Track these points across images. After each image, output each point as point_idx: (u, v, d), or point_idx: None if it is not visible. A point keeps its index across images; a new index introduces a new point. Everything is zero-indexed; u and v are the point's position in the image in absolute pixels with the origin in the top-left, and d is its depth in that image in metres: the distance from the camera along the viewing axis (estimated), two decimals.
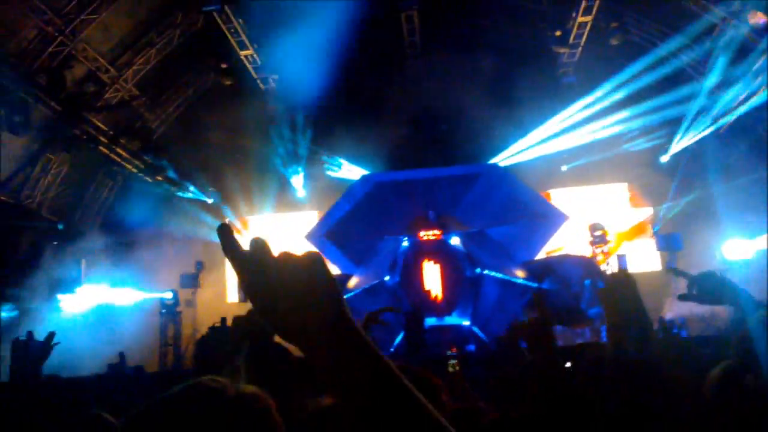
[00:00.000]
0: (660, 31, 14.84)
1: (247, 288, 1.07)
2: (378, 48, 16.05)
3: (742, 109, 14.89)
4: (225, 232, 1.08)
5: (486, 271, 11.87)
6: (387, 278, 11.90)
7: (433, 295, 11.81)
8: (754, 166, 14.75)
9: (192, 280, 15.03)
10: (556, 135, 15.99)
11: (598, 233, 14.54)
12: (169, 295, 14.76)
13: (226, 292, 16.90)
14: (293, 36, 15.93)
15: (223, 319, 13.21)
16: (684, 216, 14.79)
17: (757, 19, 13.41)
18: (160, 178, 16.31)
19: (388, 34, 15.74)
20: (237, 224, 17.39)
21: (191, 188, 16.81)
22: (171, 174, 16.52)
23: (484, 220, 13.02)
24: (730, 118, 15.46)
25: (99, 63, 14.31)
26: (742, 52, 14.52)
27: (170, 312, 14.18)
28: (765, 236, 13.92)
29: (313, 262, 1.06)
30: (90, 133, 14.51)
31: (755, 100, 14.74)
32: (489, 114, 15.90)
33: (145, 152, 15.99)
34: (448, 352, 4.35)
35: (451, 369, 4.79)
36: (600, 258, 14.60)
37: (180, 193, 16.69)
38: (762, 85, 14.34)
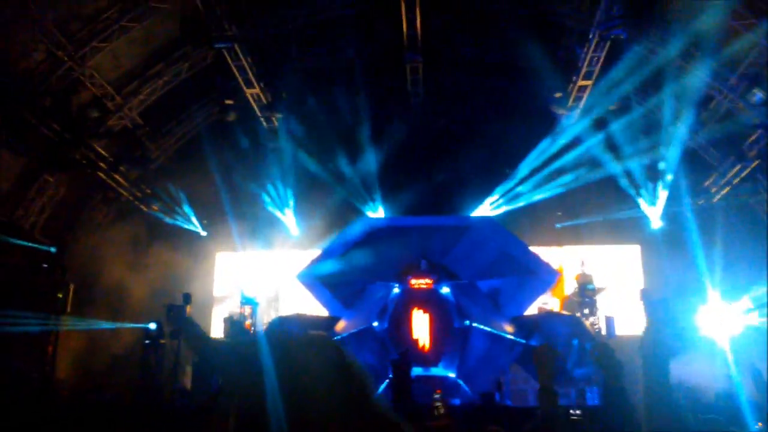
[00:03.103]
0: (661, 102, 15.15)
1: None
2: (382, 93, 16.31)
3: (736, 181, 15.18)
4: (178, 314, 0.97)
5: (474, 324, 11.85)
6: (376, 324, 11.86)
7: (420, 344, 11.75)
8: (744, 238, 14.98)
9: (178, 312, 14.86)
10: (550, 192, 16.24)
11: (590, 288, 14.60)
12: (152, 326, 14.58)
13: (211, 326, 16.78)
14: (300, 78, 16.27)
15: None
16: (674, 281, 14.90)
17: (754, 94, 13.77)
18: (155, 207, 16.33)
19: (393, 81, 16.03)
20: (226, 259, 17.37)
21: (185, 220, 16.82)
22: (166, 205, 16.56)
23: (474, 271, 13.04)
24: (722, 190, 15.75)
25: (105, 90, 14.45)
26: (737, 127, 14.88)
27: (154, 343, 13.99)
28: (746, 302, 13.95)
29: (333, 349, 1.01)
30: (90, 158, 14.56)
31: (747, 174, 15.06)
32: (485, 167, 16.19)
33: (143, 181, 16.04)
34: (435, 395, 4.39)
35: (436, 412, 4.81)
36: (587, 317, 14.63)
37: (173, 222, 16.68)
38: (754, 160, 14.66)
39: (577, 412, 9.14)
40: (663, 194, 15.82)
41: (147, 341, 13.66)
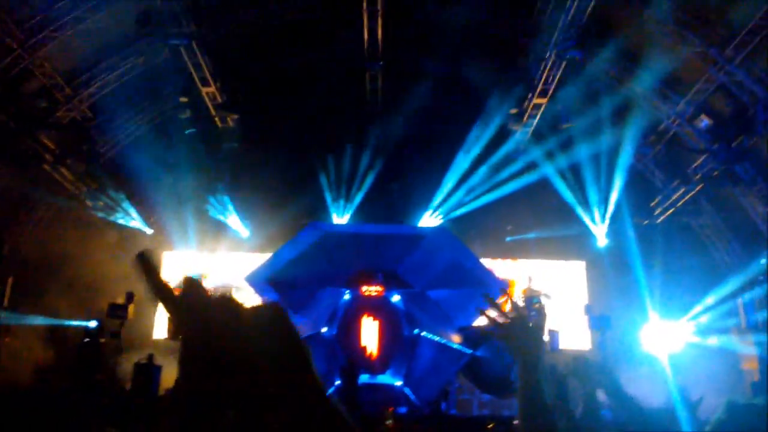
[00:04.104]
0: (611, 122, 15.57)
1: (195, 334, 0.89)
2: (339, 100, 16.30)
3: (680, 204, 15.67)
4: (146, 261, 0.90)
5: (423, 333, 11.85)
6: (324, 330, 11.74)
7: (368, 351, 11.68)
8: (685, 260, 15.45)
9: (120, 311, 14.49)
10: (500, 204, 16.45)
11: (535, 302, 14.85)
12: (93, 323, 14.17)
13: (153, 328, 16.40)
14: (257, 80, 16.14)
15: (150, 355, 12.79)
16: (617, 298, 15.26)
17: (701, 120, 14.26)
18: (101, 203, 15.91)
19: (351, 89, 16.05)
20: (172, 259, 17.01)
21: (130, 217, 16.42)
22: (112, 200, 16.14)
23: (426, 281, 13.05)
24: (666, 211, 16.23)
25: (55, 80, 14.04)
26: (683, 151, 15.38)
27: (93, 342, 13.59)
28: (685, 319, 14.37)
29: (279, 317, 0.92)
30: (36, 149, 14.11)
31: (691, 197, 15.56)
32: (438, 179, 16.37)
33: (90, 176, 15.60)
34: (387, 413, 4.35)
35: (389, 422, 4.78)
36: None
37: (118, 220, 16.26)
38: (698, 183, 15.15)
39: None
40: (609, 213, 16.19)
41: (86, 339, 13.27)
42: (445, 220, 16.60)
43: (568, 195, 16.25)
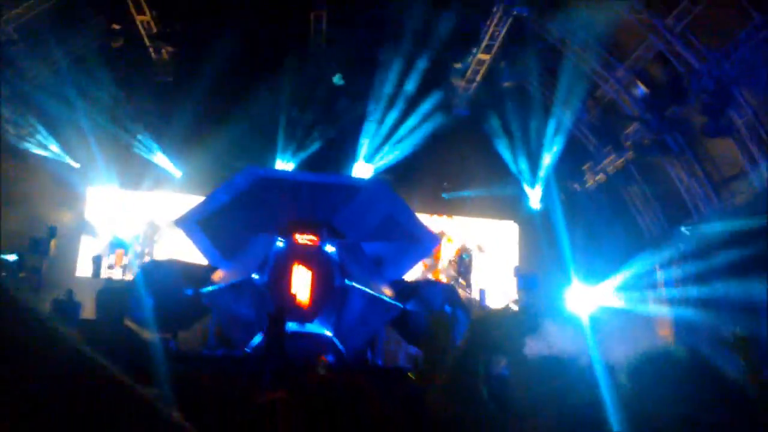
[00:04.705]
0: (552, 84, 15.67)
1: None
2: (282, 39, 15.82)
3: (610, 170, 16.01)
4: None
5: (354, 284, 11.87)
6: (255, 276, 11.60)
7: (298, 299, 11.63)
8: (612, 227, 15.92)
9: (41, 246, 13.98)
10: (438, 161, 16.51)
11: (465, 258, 15.11)
12: (12, 257, 13.64)
13: (77, 265, 15.88)
14: (196, 11, 15.46)
15: (69, 291, 12.42)
16: (547, 260, 15.60)
17: (637, 87, 14.50)
18: (24, 131, 15.09)
19: (294, 29, 15.61)
20: (95, 194, 16.41)
21: (57, 149, 15.66)
22: (36, 130, 15.33)
23: (360, 233, 13.03)
24: (597, 176, 16.59)
25: None
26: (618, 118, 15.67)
27: (12, 276, 13.09)
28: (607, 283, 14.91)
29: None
30: None
31: (622, 165, 15.92)
32: (377, 128, 16.23)
33: (13, 102, 14.73)
34: (321, 363, 4.37)
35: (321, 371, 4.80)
36: (462, 287, 15.11)
37: (38, 151, 15.47)
38: (628, 150, 15.50)
39: None
40: (543, 176, 16.43)
41: (3, 273, 12.76)
42: (380, 170, 16.53)
43: (507, 155, 16.41)
